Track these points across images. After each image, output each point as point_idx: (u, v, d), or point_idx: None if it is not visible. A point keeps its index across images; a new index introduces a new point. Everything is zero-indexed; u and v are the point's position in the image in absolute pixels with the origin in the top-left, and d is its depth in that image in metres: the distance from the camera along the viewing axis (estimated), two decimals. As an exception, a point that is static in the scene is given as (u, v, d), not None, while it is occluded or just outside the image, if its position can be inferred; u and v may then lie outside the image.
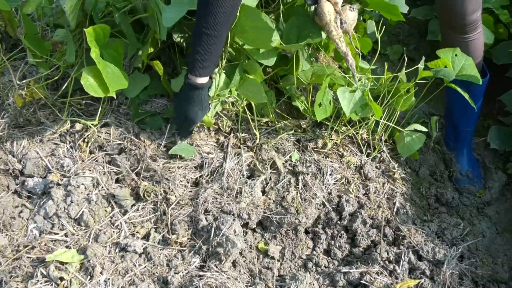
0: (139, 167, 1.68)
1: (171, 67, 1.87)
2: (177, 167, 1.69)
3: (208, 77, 1.59)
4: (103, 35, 1.58)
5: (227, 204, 1.61)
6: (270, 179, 1.73)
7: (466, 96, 1.79)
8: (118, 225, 1.60)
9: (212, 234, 1.54)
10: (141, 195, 1.63)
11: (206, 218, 1.59)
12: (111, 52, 1.63)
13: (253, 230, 1.66)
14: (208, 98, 1.64)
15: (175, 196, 1.63)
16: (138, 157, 1.69)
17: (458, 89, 1.79)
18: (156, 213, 1.62)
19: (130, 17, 1.73)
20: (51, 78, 1.81)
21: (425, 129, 1.88)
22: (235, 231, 1.54)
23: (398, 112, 1.90)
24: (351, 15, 1.66)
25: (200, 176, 1.71)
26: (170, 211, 1.61)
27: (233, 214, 1.59)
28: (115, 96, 1.66)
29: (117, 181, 1.69)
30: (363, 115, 1.88)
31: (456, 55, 1.81)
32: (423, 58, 1.80)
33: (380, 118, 1.86)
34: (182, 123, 1.68)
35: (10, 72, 1.74)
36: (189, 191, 1.67)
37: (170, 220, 1.60)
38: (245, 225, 1.64)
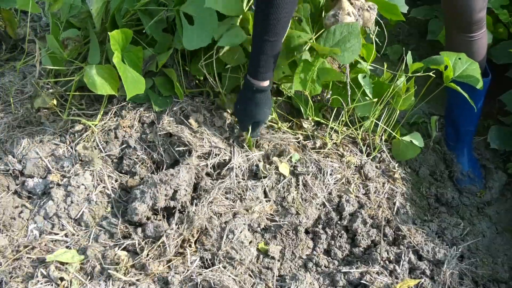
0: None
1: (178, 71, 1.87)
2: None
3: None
4: (126, 39, 1.59)
5: (236, 208, 1.62)
6: (270, 180, 1.73)
7: (466, 95, 1.79)
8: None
9: (224, 238, 1.55)
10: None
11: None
12: (131, 56, 1.64)
13: (254, 231, 1.66)
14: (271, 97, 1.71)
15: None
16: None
17: (458, 88, 1.79)
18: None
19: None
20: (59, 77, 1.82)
21: (421, 145, 1.91)
22: (246, 236, 1.56)
23: (398, 112, 1.90)
24: (367, 15, 1.67)
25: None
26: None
27: (244, 223, 1.60)
28: (116, 94, 1.66)
29: (117, 180, 1.69)
30: (363, 114, 1.88)
31: (459, 58, 1.82)
32: (409, 52, 1.80)
33: (379, 119, 1.86)
34: (248, 125, 1.73)
35: (38, 68, 1.74)
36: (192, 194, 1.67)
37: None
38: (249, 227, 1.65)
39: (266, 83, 1.63)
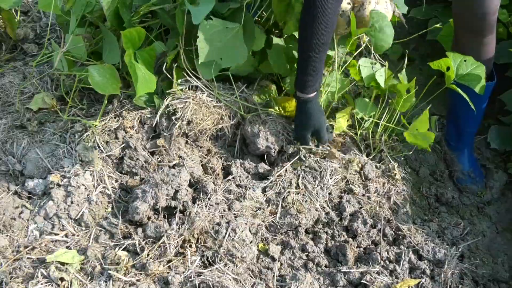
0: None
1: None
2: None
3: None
4: (138, 38, 1.61)
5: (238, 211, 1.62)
6: (271, 180, 1.73)
7: (466, 96, 1.78)
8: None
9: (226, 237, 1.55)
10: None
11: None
12: (144, 54, 1.67)
13: (254, 231, 1.66)
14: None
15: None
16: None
17: (460, 90, 1.78)
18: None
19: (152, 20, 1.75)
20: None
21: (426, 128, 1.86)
22: (246, 235, 1.56)
23: (398, 113, 1.90)
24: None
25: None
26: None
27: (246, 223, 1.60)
28: (119, 94, 1.68)
29: (117, 181, 1.69)
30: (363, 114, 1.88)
31: (465, 60, 1.81)
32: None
33: (379, 119, 1.86)
34: (307, 137, 1.79)
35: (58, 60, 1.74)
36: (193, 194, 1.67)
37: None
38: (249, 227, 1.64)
39: (313, 94, 1.71)
